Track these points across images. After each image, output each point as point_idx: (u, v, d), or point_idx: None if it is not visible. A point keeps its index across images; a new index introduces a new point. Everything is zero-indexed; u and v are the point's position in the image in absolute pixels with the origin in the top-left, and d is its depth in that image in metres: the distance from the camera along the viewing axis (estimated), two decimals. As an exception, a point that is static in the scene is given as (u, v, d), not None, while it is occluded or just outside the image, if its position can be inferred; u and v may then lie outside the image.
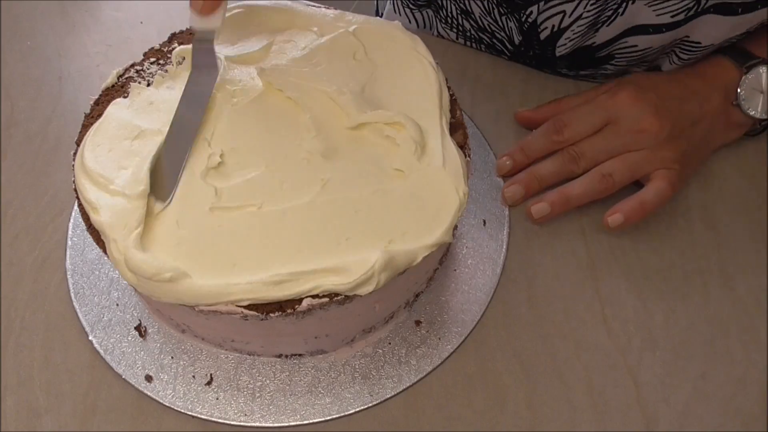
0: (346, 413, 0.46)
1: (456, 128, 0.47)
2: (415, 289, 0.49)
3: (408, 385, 0.47)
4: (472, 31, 0.63)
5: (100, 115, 0.47)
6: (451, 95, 0.48)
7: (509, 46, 0.62)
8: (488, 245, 0.52)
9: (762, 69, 0.53)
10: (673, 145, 0.52)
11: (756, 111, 0.54)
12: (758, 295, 0.50)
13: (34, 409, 0.46)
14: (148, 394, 0.46)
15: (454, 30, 0.64)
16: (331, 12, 0.50)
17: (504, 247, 0.52)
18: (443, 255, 0.51)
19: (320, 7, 0.51)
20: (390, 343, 0.48)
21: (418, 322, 0.49)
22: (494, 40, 0.62)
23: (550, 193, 0.53)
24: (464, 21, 0.63)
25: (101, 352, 0.48)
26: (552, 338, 0.49)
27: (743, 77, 0.53)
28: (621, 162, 0.52)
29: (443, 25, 0.65)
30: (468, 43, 0.65)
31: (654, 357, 0.48)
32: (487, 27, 0.61)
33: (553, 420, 0.46)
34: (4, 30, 0.66)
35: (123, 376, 0.47)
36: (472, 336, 0.49)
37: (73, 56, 0.65)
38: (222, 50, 0.48)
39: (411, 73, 0.47)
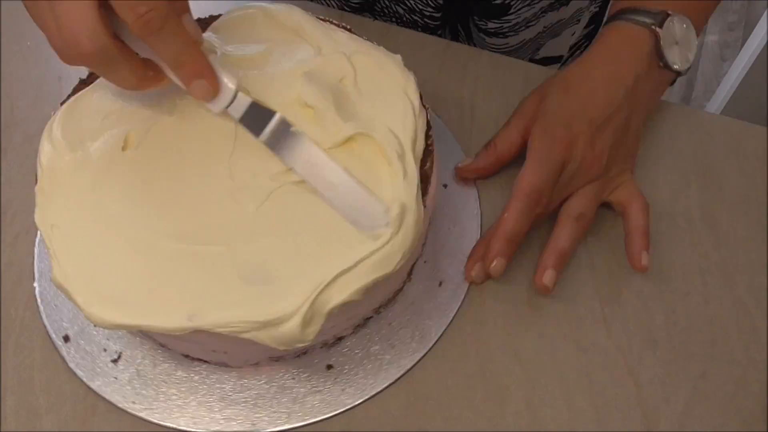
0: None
1: (421, 179, 0.43)
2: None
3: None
4: (407, 15, 0.66)
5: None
6: (428, 145, 0.45)
7: (437, 15, 0.65)
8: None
9: (670, 22, 0.51)
10: (619, 160, 0.51)
11: (677, 64, 0.52)
12: (758, 295, 0.50)
13: (34, 409, 0.46)
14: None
15: (394, 20, 0.67)
16: (342, 33, 0.49)
17: (504, 247, 0.52)
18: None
19: (330, 22, 0.50)
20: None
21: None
22: (426, 19, 0.66)
23: (545, 258, 0.49)
24: (397, 7, 0.66)
25: (101, 352, 0.48)
26: (552, 338, 0.49)
27: (660, 35, 0.51)
28: (583, 198, 0.50)
29: (383, 20, 0.67)
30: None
31: (654, 357, 0.48)
32: (415, 7, 0.65)
33: (553, 420, 0.46)
34: (4, 30, 0.66)
35: (123, 376, 0.47)
36: (472, 336, 0.49)
37: (73, 56, 0.65)
38: (221, 49, 0.48)
39: (391, 111, 0.45)
